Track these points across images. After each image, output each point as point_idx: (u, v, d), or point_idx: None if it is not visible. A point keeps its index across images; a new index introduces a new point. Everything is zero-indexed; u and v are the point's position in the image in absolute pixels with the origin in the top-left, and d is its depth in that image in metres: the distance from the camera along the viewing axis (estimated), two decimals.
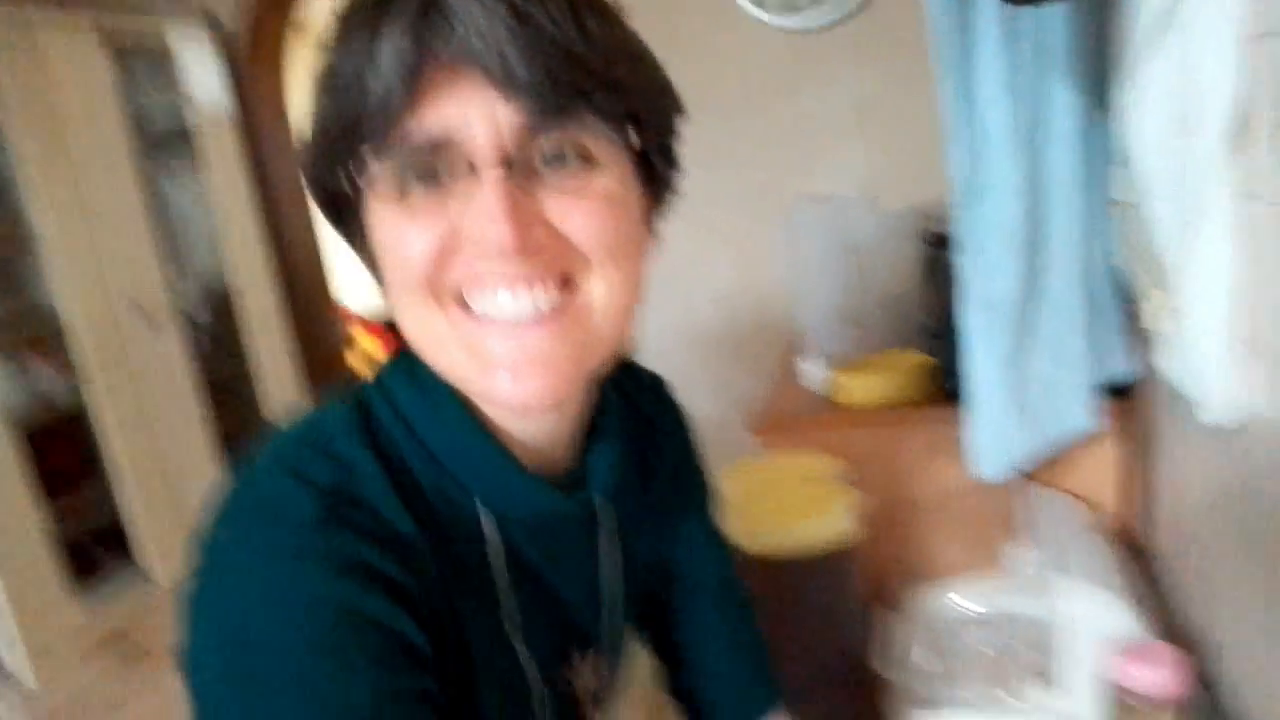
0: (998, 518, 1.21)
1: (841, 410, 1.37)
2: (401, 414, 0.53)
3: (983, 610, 1.12)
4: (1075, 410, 1.15)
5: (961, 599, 1.12)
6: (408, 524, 0.50)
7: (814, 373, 1.46)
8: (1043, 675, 0.99)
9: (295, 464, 0.49)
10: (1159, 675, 0.84)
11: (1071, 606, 0.96)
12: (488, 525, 0.54)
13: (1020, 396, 1.13)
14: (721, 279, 2.08)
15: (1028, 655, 1.04)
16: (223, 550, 0.48)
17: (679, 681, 0.76)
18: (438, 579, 0.51)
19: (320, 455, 0.50)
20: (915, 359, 1.37)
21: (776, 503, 1.08)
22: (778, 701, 0.75)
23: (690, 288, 2.08)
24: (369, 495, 0.49)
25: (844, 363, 1.43)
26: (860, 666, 1.12)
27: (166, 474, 2.15)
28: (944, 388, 1.27)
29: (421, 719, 0.47)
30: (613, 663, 0.68)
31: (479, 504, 0.54)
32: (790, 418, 1.40)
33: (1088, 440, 1.20)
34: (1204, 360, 0.80)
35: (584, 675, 0.64)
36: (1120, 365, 1.16)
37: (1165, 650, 0.84)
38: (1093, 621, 0.93)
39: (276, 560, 0.46)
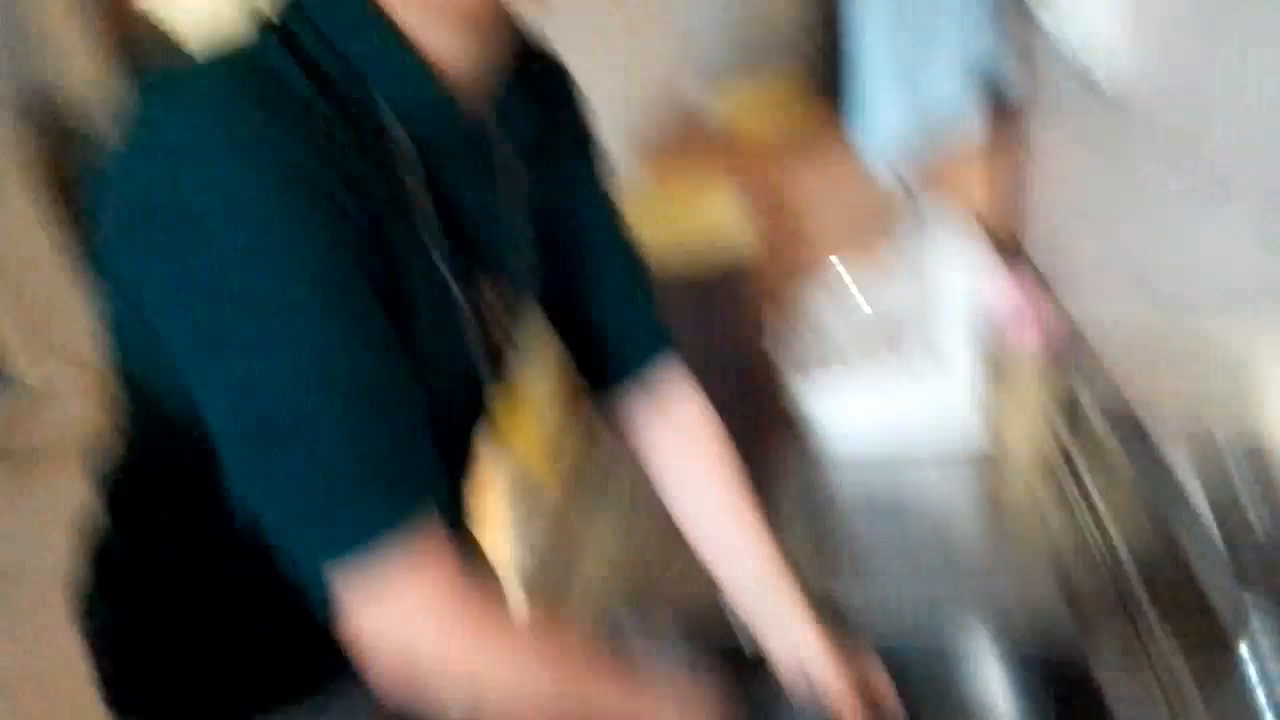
0: (883, 222, 1.27)
1: (729, 135, 1.37)
2: (319, 28, 0.53)
3: (870, 303, 1.20)
4: (963, 108, 1.19)
5: (850, 295, 1.20)
6: (338, 127, 0.51)
7: (700, 101, 1.45)
8: (926, 351, 1.08)
9: (219, 67, 0.50)
10: (1033, 329, 0.93)
11: (952, 289, 1.03)
12: (404, 138, 0.55)
13: (910, 93, 1.16)
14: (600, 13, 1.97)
15: (913, 338, 1.12)
16: (153, 126, 0.48)
17: (573, 331, 0.80)
18: (364, 177, 0.52)
19: (244, 65, 0.50)
20: (801, 78, 1.37)
21: (669, 228, 1.09)
22: (669, 344, 0.80)
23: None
24: (298, 96, 0.50)
25: (731, 88, 1.42)
26: (761, 377, 1.20)
27: (17, 275, 2.00)
28: (830, 101, 1.28)
29: (362, 280, 0.51)
30: (523, 299, 0.72)
31: (397, 117, 0.55)
32: (678, 147, 1.40)
33: (970, 149, 1.25)
34: (1093, 24, 0.82)
35: (495, 304, 0.68)
36: (1009, 71, 1.19)
37: (1037, 307, 0.93)
38: (970, 296, 1.01)
39: (217, 127, 0.46)
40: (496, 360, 0.70)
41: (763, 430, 1.14)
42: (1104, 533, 0.90)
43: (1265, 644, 0.53)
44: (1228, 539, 0.54)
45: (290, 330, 0.48)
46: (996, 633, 0.82)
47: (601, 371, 0.80)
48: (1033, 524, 0.95)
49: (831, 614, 0.76)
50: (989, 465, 1.03)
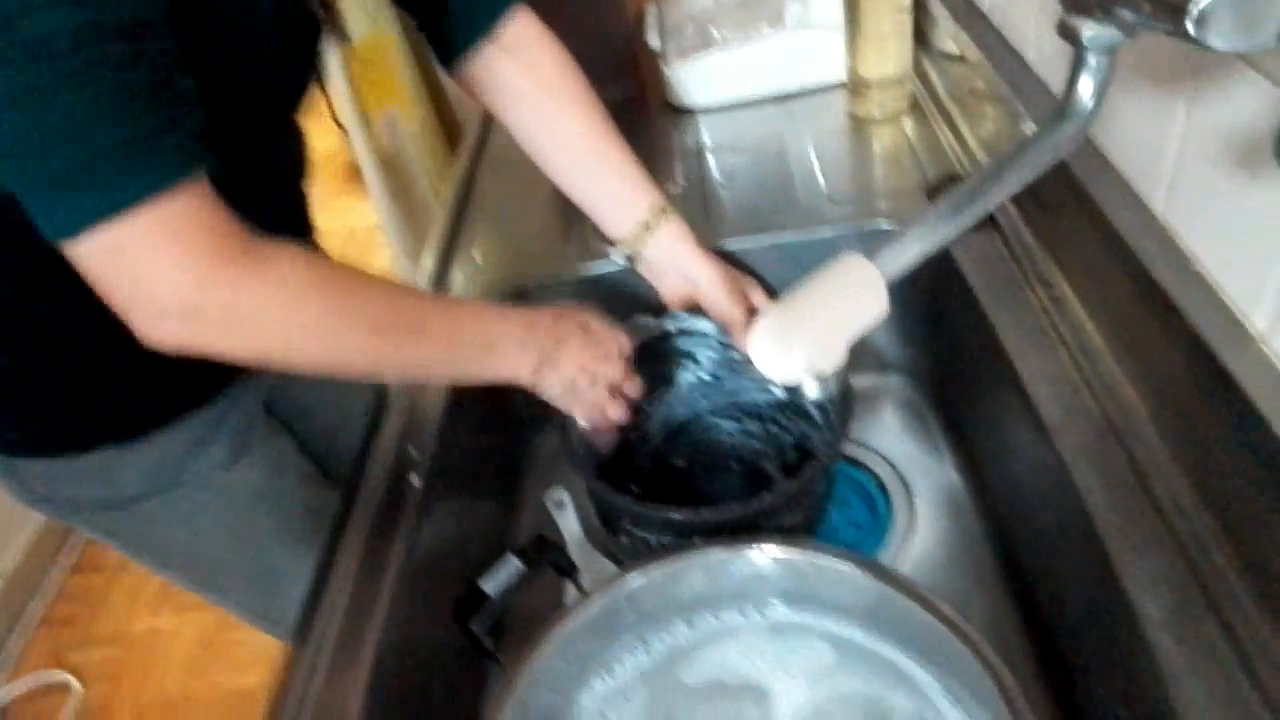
0: None
1: None
2: None
3: None
4: None
5: None
6: None
7: None
8: (797, 22, 1.09)
9: None
10: None
11: None
12: None
13: None
14: None
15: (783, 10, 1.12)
16: None
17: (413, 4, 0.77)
18: None
19: None
20: None
21: None
22: None
23: None
24: None
25: None
26: (624, 49, 1.19)
27: None
28: None
29: None
30: None
31: None
32: None
33: None
34: None
35: None
36: None
37: None
38: None
39: None
40: (330, 13, 0.66)
41: (626, 108, 1.14)
42: (958, 135, 0.95)
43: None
44: None
45: None
46: (862, 221, 0.88)
47: (452, 37, 0.76)
48: (894, 138, 0.99)
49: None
50: (851, 93, 1.06)
